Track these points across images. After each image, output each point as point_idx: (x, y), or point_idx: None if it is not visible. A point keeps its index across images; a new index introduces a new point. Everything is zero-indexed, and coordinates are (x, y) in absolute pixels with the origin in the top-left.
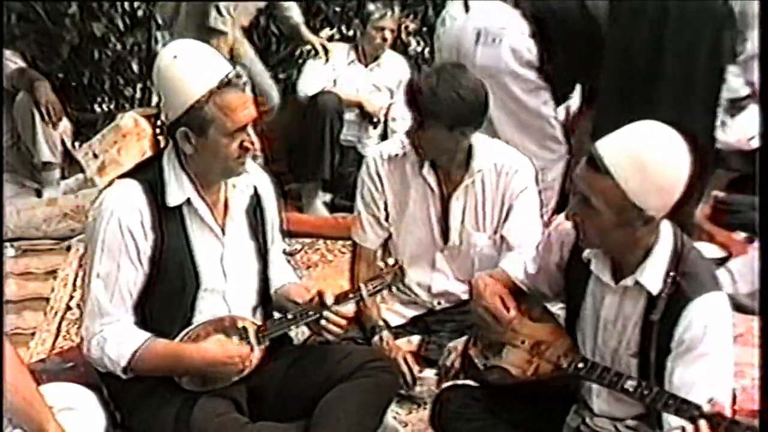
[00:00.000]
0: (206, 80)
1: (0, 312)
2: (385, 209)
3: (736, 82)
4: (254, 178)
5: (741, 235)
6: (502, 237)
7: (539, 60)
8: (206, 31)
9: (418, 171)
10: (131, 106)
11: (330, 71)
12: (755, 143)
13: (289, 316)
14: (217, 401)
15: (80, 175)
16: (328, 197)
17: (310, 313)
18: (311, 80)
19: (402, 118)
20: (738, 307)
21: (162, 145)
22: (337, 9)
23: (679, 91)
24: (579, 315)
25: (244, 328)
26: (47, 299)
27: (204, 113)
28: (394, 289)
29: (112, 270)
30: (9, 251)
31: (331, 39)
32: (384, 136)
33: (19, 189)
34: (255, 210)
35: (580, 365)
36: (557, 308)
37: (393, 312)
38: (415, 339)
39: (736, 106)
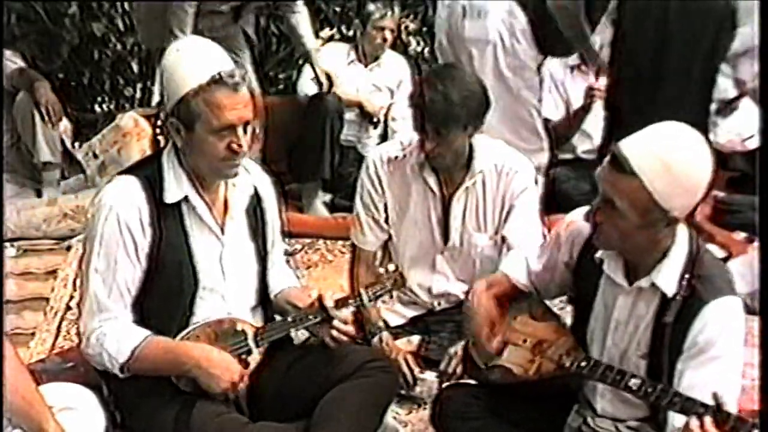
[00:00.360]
0: (197, 74)
1: (0, 312)
2: (385, 211)
3: (724, 83)
4: (255, 179)
5: (741, 235)
6: (503, 237)
7: (530, 26)
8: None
9: (418, 173)
10: (131, 106)
11: (330, 71)
12: (752, 144)
13: (289, 320)
14: (217, 401)
15: (80, 175)
16: (328, 197)
17: (310, 317)
18: (310, 81)
19: (402, 118)
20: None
21: (162, 144)
22: (337, 9)
23: (678, 92)
24: (588, 315)
25: (243, 331)
26: (47, 299)
27: (192, 107)
28: (394, 294)
29: (110, 265)
30: (9, 251)
31: (331, 39)
32: (384, 136)
33: (19, 189)
34: (255, 210)
35: (583, 364)
36: (558, 308)
37: (393, 312)
38: (415, 339)
39: (726, 107)
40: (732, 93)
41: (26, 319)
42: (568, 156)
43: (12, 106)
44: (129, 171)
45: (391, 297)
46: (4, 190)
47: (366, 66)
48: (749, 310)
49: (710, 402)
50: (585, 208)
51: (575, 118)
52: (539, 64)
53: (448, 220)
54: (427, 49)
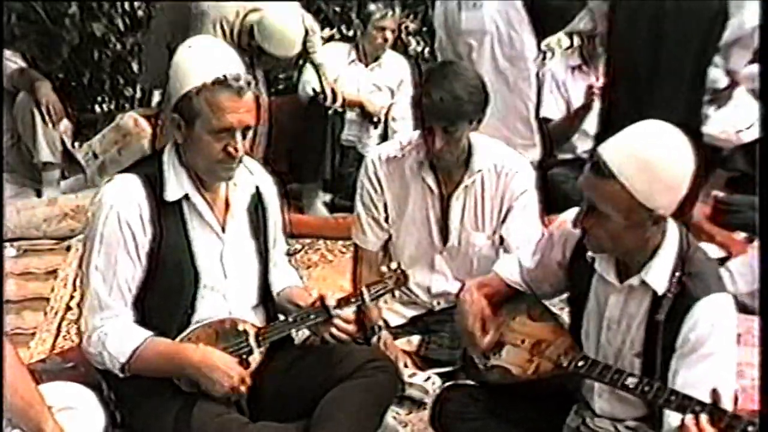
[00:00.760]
0: (202, 73)
1: (0, 312)
2: (385, 211)
3: (715, 73)
4: (257, 178)
5: (741, 235)
6: (501, 238)
7: (528, 15)
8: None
9: (417, 172)
10: (131, 106)
11: (331, 71)
12: (747, 136)
13: (291, 320)
14: (218, 401)
15: (80, 175)
16: (328, 197)
17: (312, 316)
18: (312, 80)
19: (402, 118)
20: (739, 307)
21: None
22: (337, 9)
23: (673, 90)
24: (582, 314)
25: (245, 331)
26: (47, 299)
27: (194, 104)
28: (396, 293)
29: (110, 263)
30: (9, 251)
31: (331, 39)
32: (384, 136)
33: (19, 189)
34: (257, 209)
35: (581, 363)
36: (557, 308)
37: (393, 312)
38: (415, 339)
39: (717, 97)
40: (723, 82)
41: (26, 319)
42: (568, 156)
43: (12, 106)
44: (129, 170)
45: (393, 296)
46: (4, 190)
47: (366, 66)
48: (749, 310)
49: (707, 399)
50: (578, 209)
51: (575, 118)
52: (535, 57)
53: (447, 219)
54: (427, 49)
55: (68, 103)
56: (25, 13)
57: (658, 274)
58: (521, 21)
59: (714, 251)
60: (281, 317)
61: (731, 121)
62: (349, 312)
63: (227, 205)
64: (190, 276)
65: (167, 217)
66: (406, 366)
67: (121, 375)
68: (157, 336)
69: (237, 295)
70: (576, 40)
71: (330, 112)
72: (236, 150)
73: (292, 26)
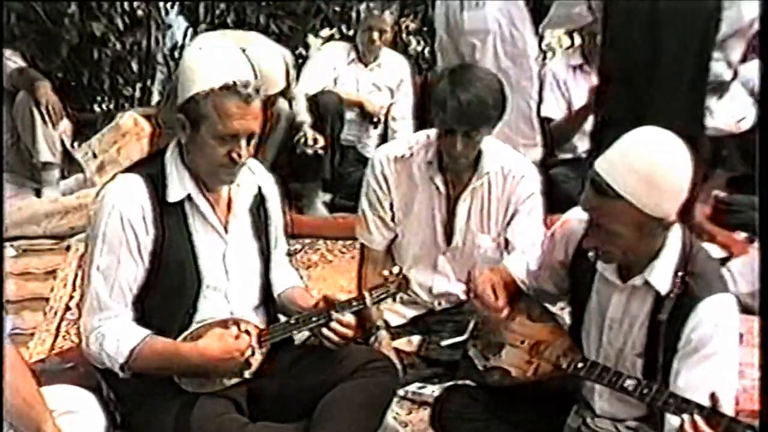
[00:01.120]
0: (211, 77)
1: (0, 312)
2: (391, 210)
3: (718, 67)
4: (259, 178)
5: (742, 235)
6: (506, 240)
7: (530, 13)
8: None
9: (425, 171)
10: (131, 105)
11: (330, 70)
12: (745, 125)
13: (292, 321)
14: (217, 401)
15: (80, 175)
16: (328, 197)
17: (314, 318)
18: (312, 80)
19: (402, 118)
20: (739, 307)
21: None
22: (337, 9)
23: (672, 86)
24: (584, 314)
25: (246, 332)
26: (47, 299)
27: (200, 107)
28: (398, 297)
29: (112, 264)
30: (9, 251)
31: (331, 38)
32: (384, 136)
33: (19, 189)
34: (259, 209)
35: (580, 365)
36: (557, 308)
37: (393, 312)
38: (415, 339)
39: (719, 89)
40: (728, 75)
41: (26, 320)
42: (569, 156)
43: (12, 105)
44: (132, 169)
45: (395, 300)
46: (4, 190)
47: (366, 66)
48: (750, 310)
49: (706, 402)
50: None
51: (577, 118)
52: (537, 55)
53: (452, 220)
54: (427, 49)
55: (67, 102)
56: (25, 13)
57: (661, 274)
58: (523, 19)
59: (715, 251)
60: (282, 318)
61: (731, 112)
62: (350, 315)
63: (230, 205)
64: (192, 276)
65: (170, 217)
66: (403, 367)
67: (121, 374)
68: (157, 335)
69: (239, 296)
70: (577, 39)
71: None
72: (240, 156)
73: (275, 65)
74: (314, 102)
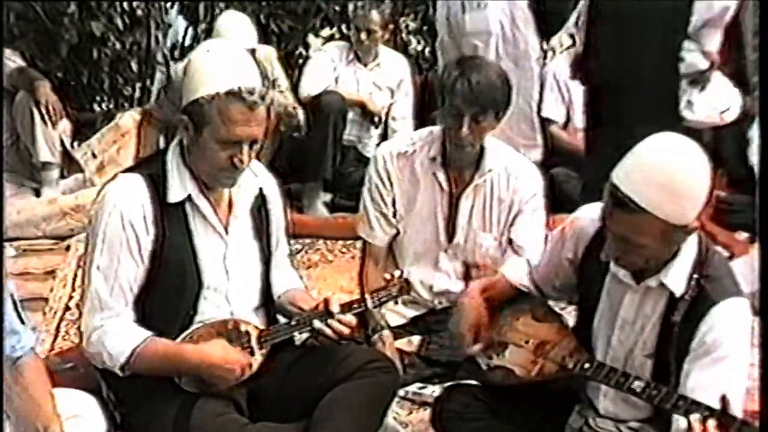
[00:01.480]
0: (217, 82)
1: (0, 312)
2: (393, 206)
3: (692, 56)
4: (261, 180)
5: (743, 235)
6: (509, 240)
7: (533, 14)
8: None
9: (428, 168)
10: (130, 105)
11: (331, 70)
12: (729, 116)
13: (293, 323)
14: (217, 401)
15: (79, 175)
16: (328, 197)
17: (314, 320)
18: (314, 80)
19: (402, 117)
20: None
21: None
22: (337, 9)
23: (649, 81)
24: (593, 314)
25: (247, 332)
26: (46, 299)
27: (204, 111)
28: (398, 300)
29: (112, 263)
30: (9, 251)
31: (331, 38)
32: (384, 136)
33: (18, 189)
34: (260, 210)
35: (587, 365)
36: (560, 308)
37: (393, 312)
38: (416, 339)
39: (698, 80)
40: (703, 64)
41: None
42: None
43: (11, 105)
44: (133, 169)
45: (396, 303)
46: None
47: (365, 65)
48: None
49: (716, 404)
50: (590, 206)
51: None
52: (538, 56)
53: (455, 217)
54: (427, 49)
55: (67, 102)
56: (25, 13)
57: (677, 276)
58: (526, 20)
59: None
60: (282, 319)
61: (713, 104)
62: (350, 317)
63: (231, 206)
64: (192, 277)
65: (170, 218)
66: (404, 367)
67: (121, 374)
68: (158, 336)
69: (239, 297)
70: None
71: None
72: (241, 162)
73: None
74: (317, 102)
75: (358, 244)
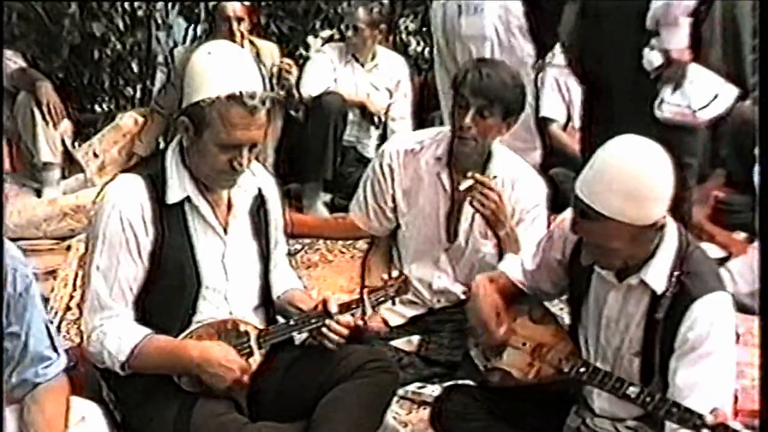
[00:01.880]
0: (218, 86)
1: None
2: (393, 202)
3: (650, 55)
4: (259, 180)
5: (741, 235)
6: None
7: (527, 21)
8: None
9: (432, 167)
10: (131, 105)
11: (330, 71)
12: (706, 115)
13: (292, 323)
14: (217, 401)
15: (80, 176)
16: (328, 197)
17: (313, 320)
18: (314, 81)
19: (401, 118)
20: (738, 307)
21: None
22: (338, 10)
23: (622, 82)
24: (581, 313)
25: (246, 332)
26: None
27: (205, 114)
28: (397, 300)
29: (112, 263)
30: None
31: (331, 39)
32: (383, 137)
33: (19, 189)
34: (259, 211)
35: (582, 370)
36: (557, 309)
37: (393, 312)
38: (415, 339)
39: (671, 78)
40: (658, 61)
41: None
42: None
43: (12, 106)
44: (132, 169)
45: (394, 303)
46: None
47: (362, 66)
48: (750, 311)
49: (706, 406)
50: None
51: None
52: (535, 61)
53: (457, 219)
54: (427, 50)
55: (68, 102)
56: (25, 13)
57: (657, 273)
58: (521, 26)
59: (714, 251)
60: (281, 319)
61: (685, 101)
62: (349, 318)
63: (230, 206)
64: (191, 277)
65: (169, 218)
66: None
67: (121, 373)
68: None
69: (238, 296)
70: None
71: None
72: (241, 165)
73: None
74: (317, 102)
75: (358, 244)
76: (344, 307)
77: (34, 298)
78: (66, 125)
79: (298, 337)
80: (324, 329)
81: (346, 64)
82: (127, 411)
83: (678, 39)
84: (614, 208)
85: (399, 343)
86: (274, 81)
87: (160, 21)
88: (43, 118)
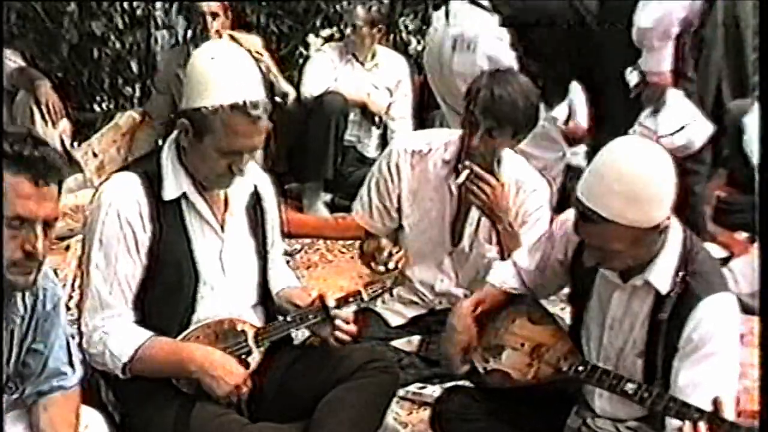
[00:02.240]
0: (222, 94)
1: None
2: (398, 202)
3: (630, 75)
4: (255, 177)
5: (743, 235)
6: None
7: (519, 65)
8: None
9: (440, 170)
10: (131, 105)
11: (331, 70)
12: (666, 142)
13: (290, 320)
14: (217, 402)
15: (79, 175)
16: (328, 197)
17: (311, 316)
18: (315, 80)
19: (401, 117)
20: (740, 307)
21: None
22: (338, 9)
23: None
24: (584, 313)
25: (243, 332)
26: None
27: (207, 121)
28: (394, 292)
29: (110, 261)
30: None
31: (330, 38)
32: (384, 137)
33: None
34: (255, 208)
35: (580, 368)
36: (557, 309)
37: (393, 312)
38: (415, 339)
39: (653, 100)
40: (634, 79)
41: None
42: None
43: (12, 105)
44: (128, 168)
45: (392, 295)
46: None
47: (363, 65)
48: (751, 311)
49: (707, 403)
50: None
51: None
52: None
53: (462, 222)
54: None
55: (67, 102)
56: (25, 12)
57: (662, 273)
58: (510, 66)
59: (716, 251)
60: (279, 317)
61: (654, 126)
62: (348, 312)
63: (227, 203)
64: (189, 274)
65: (166, 215)
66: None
67: (121, 376)
68: (158, 336)
69: (236, 294)
70: None
71: (334, 107)
72: (240, 170)
73: None
74: (319, 102)
75: (358, 244)
76: (342, 301)
77: (59, 315)
78: (65, 125)
79: (299, 337)
80: (337, 332)
81: (347, 63)
82: (126, 412)
83: (655, 62)
84: (615, 210)
85: (399, 343)
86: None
87: (159, 20)
88: (42, 117)
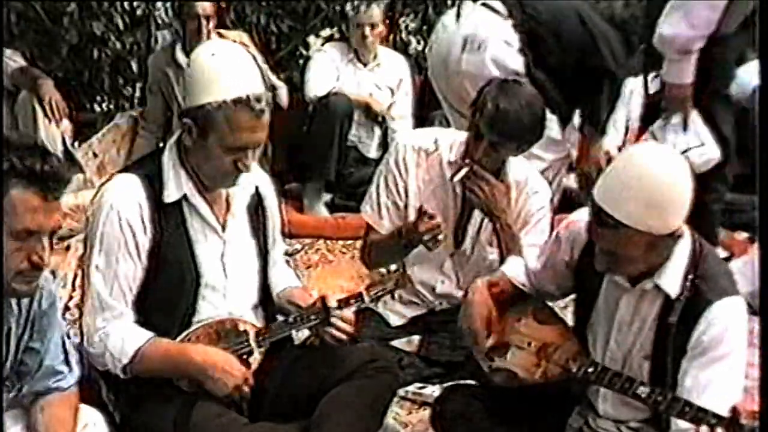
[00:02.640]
0: (224, 90)
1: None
2: (406, 196)
3: (651, 83)
4: (255, 178)
5: (743, 235)
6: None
7: (526, 71)
8: None
9: (445, 170)
10: (131, 105)
11: (333, 71)
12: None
13: (291, 320)
14: (217, 401)
15: (80, 175)
16: (328, 197)
17: (312, 317)
18: (319, 81)
19: (401, 117)
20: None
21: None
22: (338, 8)
23: None
24: (590, 316)
25: (245, 332)
26: None
27: (211, 118)
28: (395, 294)
29: (111, 263)
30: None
31: (330, 38)
32: (384, 136)
33: None
34: (257, 208)
35: (590, 369)
36: (560, 307)
37: (393, 312)
38: (416, 339)
39: (663, 107)
40: (654, 86)
41: None
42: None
43: (13, 105)
44: (129, 169)
45: (393, 297)
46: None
47: (365, 66)
48: (752, 310)
49: (716, 408)
50: (586, 209)
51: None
52: None
53: (465, 224)
54: (427, 48)
55: (67, 102)
56: (25, 12)
57: (671, 277)
58: (518, 74)
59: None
60: (280, 318)
61: (661, 138)
62: (349, 313)
63: (228, 204)
64: (190, 275)
65: (167, 217)
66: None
67: (122, 376)
68: (159, 337)
69: (237, 295)
70: None
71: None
72: (246, 166)
73: None
74: (324, 103)
75: (358, 244)
76: (343, 303)
77: (56, 314)
78: (65, 125)
79: (298, 336)
80: (332, 329)
81: (348, 63)
82: (127, 411)
83: (675, 73)
84: (634, 216)
85: (399, 343)
86: None
87: (159, 20)
88: (45, 115)
